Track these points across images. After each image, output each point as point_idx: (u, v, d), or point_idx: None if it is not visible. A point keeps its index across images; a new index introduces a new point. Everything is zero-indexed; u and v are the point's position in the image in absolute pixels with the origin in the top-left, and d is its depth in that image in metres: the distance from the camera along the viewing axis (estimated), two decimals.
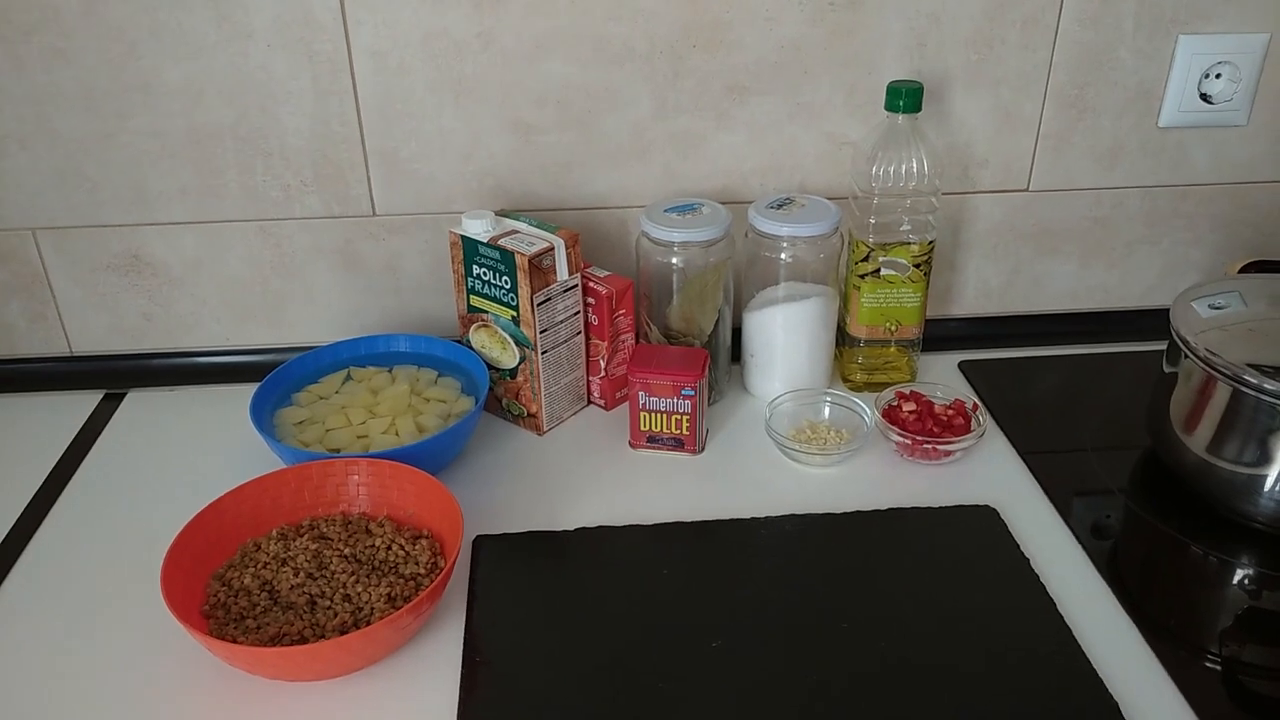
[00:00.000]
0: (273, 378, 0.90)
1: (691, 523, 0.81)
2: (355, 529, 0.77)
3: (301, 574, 0.72)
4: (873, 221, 0.91)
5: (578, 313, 0.91)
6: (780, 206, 0.92)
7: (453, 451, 0.87)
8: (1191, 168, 1.01)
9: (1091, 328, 1.07)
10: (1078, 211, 1.03)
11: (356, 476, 0.79)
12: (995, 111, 0.97)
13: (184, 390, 1.01)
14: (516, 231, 0.88)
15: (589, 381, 0.96)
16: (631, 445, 0.90)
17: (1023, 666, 0.68)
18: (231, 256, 0.98)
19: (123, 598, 0.74)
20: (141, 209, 0.95)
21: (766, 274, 0.93)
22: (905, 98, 0.87)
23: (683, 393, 0.86)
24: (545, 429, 0.93)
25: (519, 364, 0.90)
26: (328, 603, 0.70)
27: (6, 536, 0.82)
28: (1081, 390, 1.00)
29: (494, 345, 0.92)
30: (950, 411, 0.89)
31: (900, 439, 0.87)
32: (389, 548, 0.74)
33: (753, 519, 0.81)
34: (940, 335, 1.04)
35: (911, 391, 0.91)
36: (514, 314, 0.88)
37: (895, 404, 0.91)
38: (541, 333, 0.88)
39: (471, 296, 0.91)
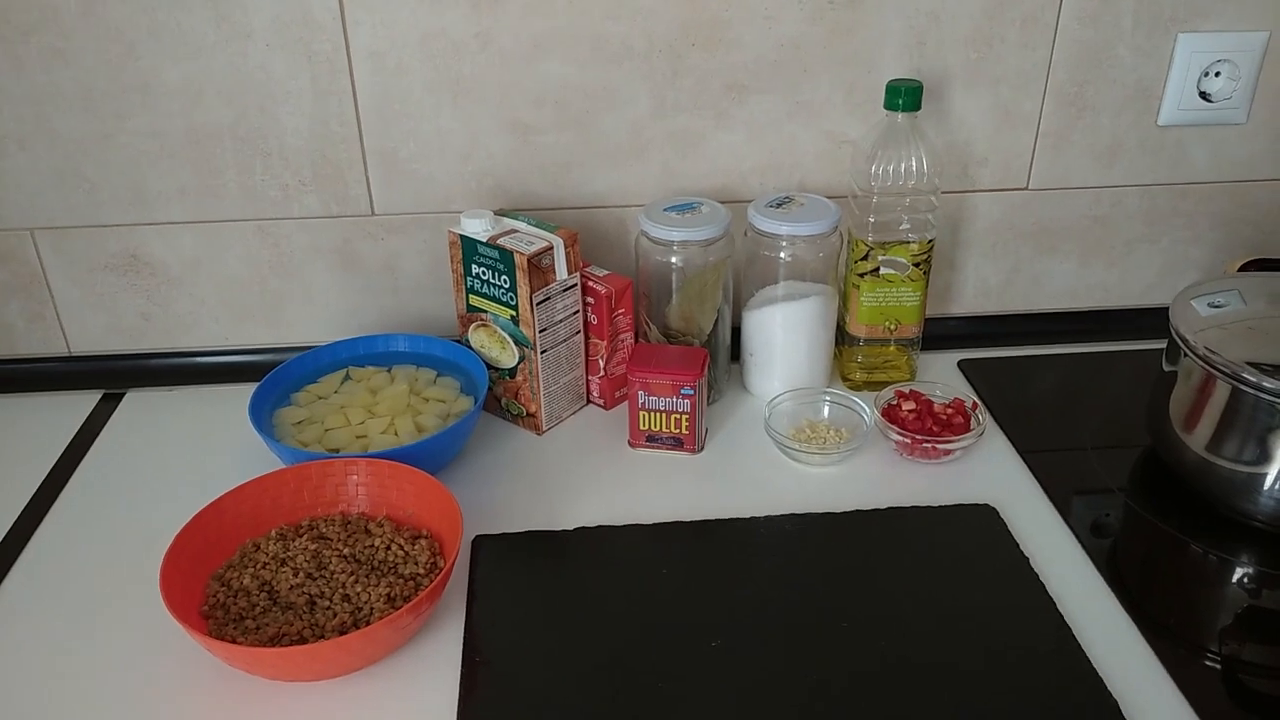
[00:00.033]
0: (271, 378, 0.90)
1: (691, 522, 0.81)
2: (354, 529, 0.77)
3: (301, 574, 0.72)
4: (872, 220, 0.91)
5: (577, 312, 0.91)
6: (779, 205, 0.92)
7: (452, 451, 0.87)
8: (1191, 166, 1.01)
9: (1091, 326, 1.07)
10: (1077, 210, 1.03)
11: (355, 476, 0.79)
12: (994, 110, 0.97)
13: (183, 390, 1.01)
14: (515, 231, 0.88)
15: (588, 381, 0.96)
16: (631, 445, 0.90)
17: (1022, 665, 0.68)
18: (230, 256, 0.98)
19: (122, 598, 0.74)
20: (140, 209, 0.95)
21: (766, 273, 0.93)
22: (904, 96, 0.87)
23: (682, 392, 0.86)
24: (544, 428, 0.93)
25: (518, 363, 0.90)
26: (327, 603, 0.70)
27: (5, 537, 0.82)
28: (1081, 389, 1.00)
29: (493, 345, 0.91)
30: (949, 410, 0.89)
31: (900, 438, 0.87)
32: (388, 548, 0.74)
33: (752, 518, 0.81)
34: (939, 334, 1.04)
35: (911, 390, 0.91)
36: (513, 313, 0.88)
37: (895, 403, 0.91)
38: (541, 332, 0.88)
39: (470, 296, 0.91)
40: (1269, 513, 0.78)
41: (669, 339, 0.94)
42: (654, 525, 0.80)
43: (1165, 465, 0.85)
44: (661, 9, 0.90)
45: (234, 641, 0.67)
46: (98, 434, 0.94)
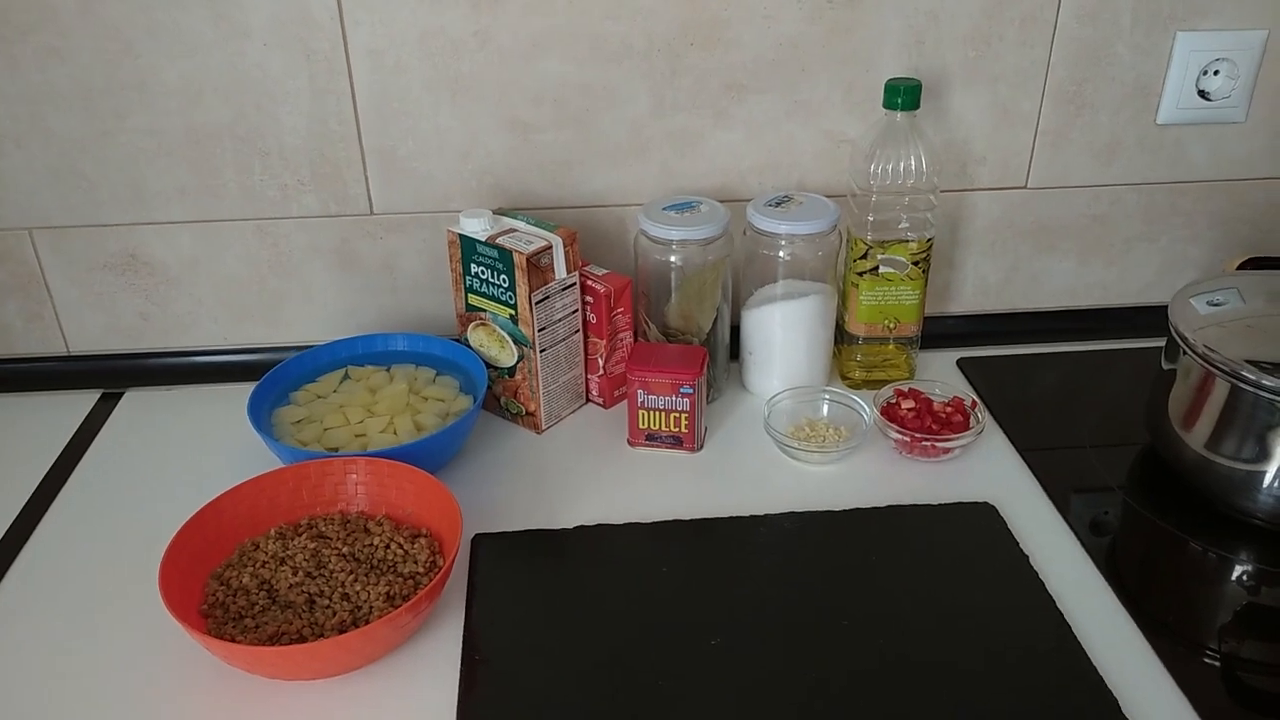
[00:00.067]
0: (270, 377, 0.90)
1: (690, 520, 0.81)
2: (354, 528, 0.77)
3: (300, 573, 0.72)
4: (871, 219, 0.91)
5: (576, 311, 0.91)
6: (778, 204, 0.92)
7: (451, 450, 0.87)
8: (1189, 164, 1.01)
9: (1090, 325, 1.07)
10: (1076, 208, 1.03)
11: (355, 475, 0.79)
12: (993, 108, 0.97)
13: (181, 390, 1.01)
14: (514, 230, 0.88)
15: (587, 380, 0.96)
16: (630, 443, 0.90)
17: (1021, 663, 0.68)
18: (229, 256, 0.98)
19: (121, 597, 0.74)
20: (138, 208, 0.95)
21: (765, 272, 0.93)
22: (903, 95, 0.87)
23: (681, 391, 0.86)
24: (544, 427, 0.93)
25: (517, 362, 0.90)
26: (326, 602, 0.70)
27: (4, 536, 0.81)
28: (1080, 387, 1.00)
29: (492, 344, 0.91)
30: (949, 409, 0.89)
31: (899, 436, 0.87)
32: (388, 546, 0.74)
33: (751, 517, 0.81)
34: (939, 333, 1.04)
35: (910, 389, 0.91)
36: (512, 312, 0.88)
37: (894, 401, 0.91)
38: (540, 331, 0.88)
39: (470, 295, 0.91)
40: (1268, 510, 0.78)
41: (668, 338, 0.94)
42: (653, 524, 0.80)
43: (1164, 463, 0.85)
44: (660, 8, 0.90)
45: (233, 640, 0.67)
46: (96, 434, 0.94)
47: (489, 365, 0.92)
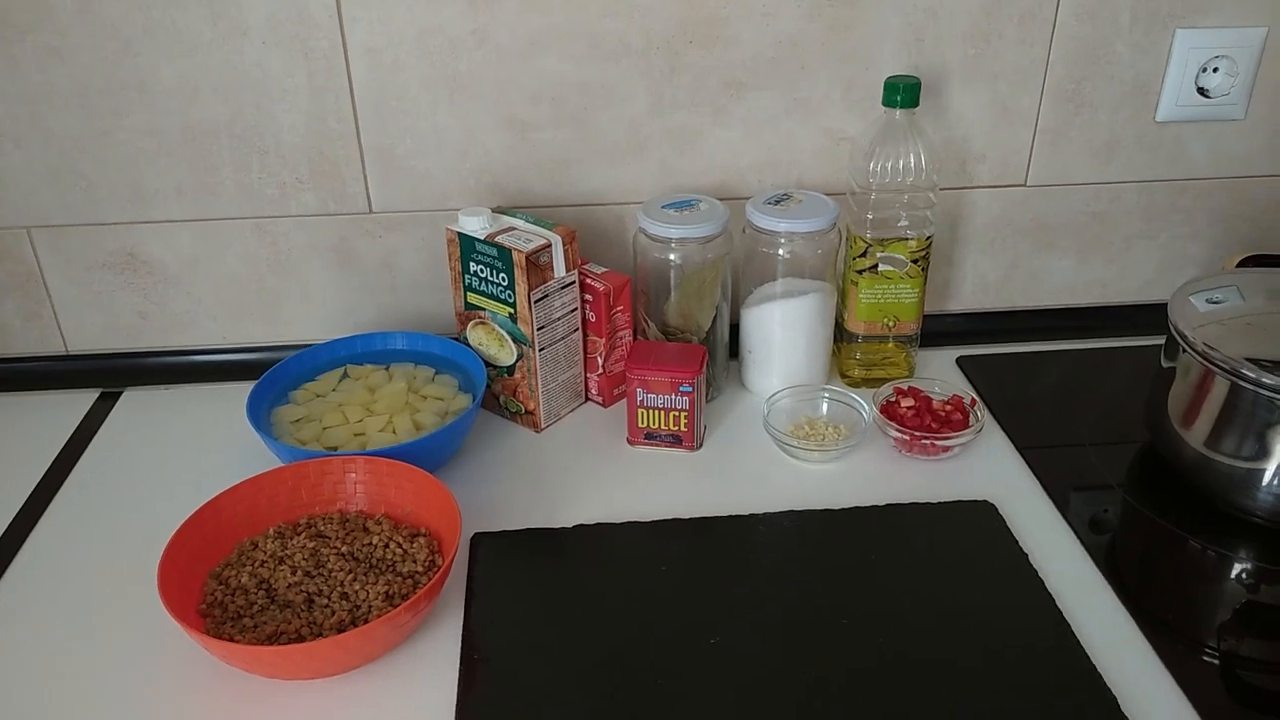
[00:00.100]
0: (269, 376, 0.90)
1: (690, 519, 0.81)
2: (353, 527, 0.76)
3: (299, 572, 0.72)
4: (870, 217, 0.91)
5: (575, 309, 0.91)
6: (778, 202, 0.92)
7: (450, 449, 0.87)
8: (1189, 162, 1.01)
9: (1089, 323, 1.07)
10: (1075, 206, 1.03)
11: (354, 474, 0.79)
12: (993, 106, 0.97)
13: (180, 389, 1.01)
14: (513, 228, 0.88)
15: (587, 378, 0.96)
16: (629, 442, 0.90)
17: (1021, 661, 0.68)
18: (227, 254, 0.98)
19: (119, 597, 0.74)
20: (137, 207, 0.95)
21: (764, 270, 0.93)
22: (903, 93, 0.87)
23: (680, 389, 0.86)
24: (543, 426, 0.93)
25: (516, 361, 0.90)
26: (325, 601, 0.70)
27: (2, 536, 0.81)
28: (1079, 385, 1.00)
29: (491, 342, 0.91)
30: (948, 407, 0.89)
31: (898, 435, 0.87)
32: (386, 546, 0.74)
33: (751, 515, 0.81)
34: (938, 331, 1.04)
35: (909, 387, 0.91)
36: (511, 311, 0.88)
37: (893, 400, 0.91)
38: (539, 329, 0.88)
39: (469, 294, 0.91)
40: (1267, 508, 0.78)
41: (667, 336, 0.94)
42: (653, 522, 0.80)
43: (1164, 461, 0.85)
44: (659, 6, 0.90)
45: (232, 640, 0.67)
46: (95, 433, 0.94)
47: (488, 364, 0.92)
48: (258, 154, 0.93)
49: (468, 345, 0.93)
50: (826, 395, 0.93)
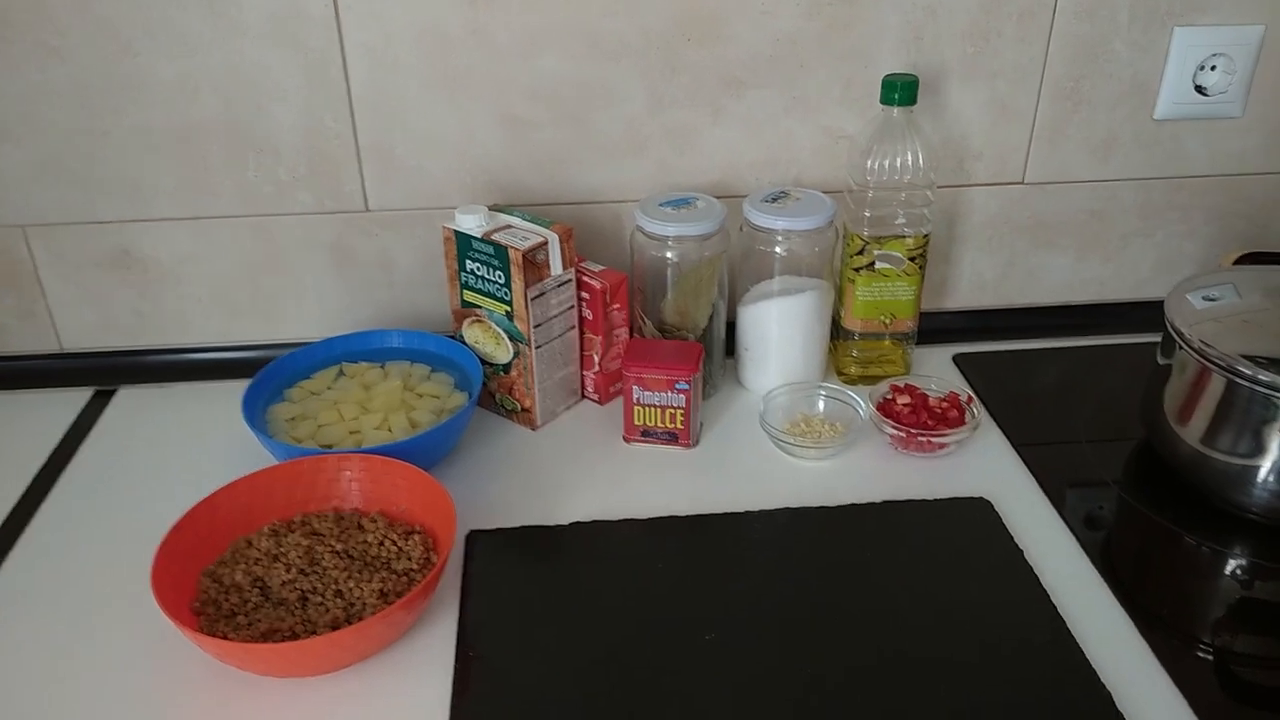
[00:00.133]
0: (265, 374, 0.90)
1: (686, 516, 0.81)
2: (348, 525, 0.76)
3: (293, 570, 0.72)
4: (868, 215, 0.91)
5: (572, 307, 0.91)
6: (775, 200, 0.92)
7: (446, 447, 0.87)
8: (1186, 160, 1.01)
9: (1086, 320, 1.07)
10: (1073, 204, 1.03)
11: (349, 472, 0.79)
12: (991, 104, 0.97)
13: (175, 387, 1.01)
14: (510, 226, 0.88)
15: (583, 376, 0.96)
16: (625, 439, 0.90)
17: (1017, 658, 0.68)
18: (224, 253, 0.97)
19: (113, 595, 0.74)
20: (133, 205, 0.95)
21: (761, 267, 0.93)
22: (901, 91, 0.87)
23: (677, 386, 0.86)
24: (539, 424, 0.93)
25: (513, 359, 0.90)
26: (319, 599, 0.70)
27: None
28: (1076, 382, 1.00)
29: (488, 340, 0.91)
30: (944, 404, 0.89)
31: (895, 432, 0.87)
32: (381, 543, 0.74)
33: (747, 512, 0.81)
34: (935, 328, 1.03)
35: (906, 384, 0.91)
36: (507, 309, 0.88)
37: (890, 397, 0.91)
38: (535, 327, 0.88)
39: (465, 291, 0.90)
40: (1263, 505, 0.78)
41: (664, 334, 0.94)
42: (649, 520, 0.80)
43: (1160, 458, 0.85)
44: (657, 4, 0.90)
45: (225, 638, 0.67)
46: (90, 431, 0.94)
47: (484, 361, 0.92)
48: (254, 152, 0.93)
49: (464, 343, 0.93)
50: (823, 392, 0.93)
